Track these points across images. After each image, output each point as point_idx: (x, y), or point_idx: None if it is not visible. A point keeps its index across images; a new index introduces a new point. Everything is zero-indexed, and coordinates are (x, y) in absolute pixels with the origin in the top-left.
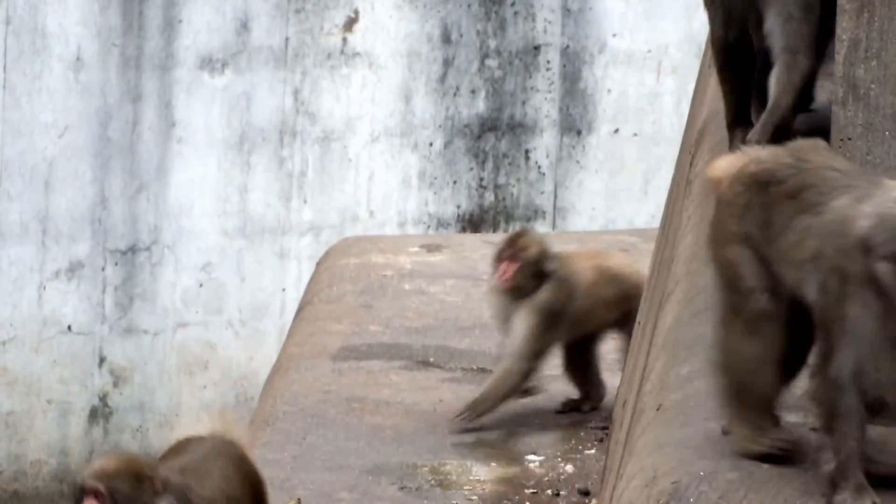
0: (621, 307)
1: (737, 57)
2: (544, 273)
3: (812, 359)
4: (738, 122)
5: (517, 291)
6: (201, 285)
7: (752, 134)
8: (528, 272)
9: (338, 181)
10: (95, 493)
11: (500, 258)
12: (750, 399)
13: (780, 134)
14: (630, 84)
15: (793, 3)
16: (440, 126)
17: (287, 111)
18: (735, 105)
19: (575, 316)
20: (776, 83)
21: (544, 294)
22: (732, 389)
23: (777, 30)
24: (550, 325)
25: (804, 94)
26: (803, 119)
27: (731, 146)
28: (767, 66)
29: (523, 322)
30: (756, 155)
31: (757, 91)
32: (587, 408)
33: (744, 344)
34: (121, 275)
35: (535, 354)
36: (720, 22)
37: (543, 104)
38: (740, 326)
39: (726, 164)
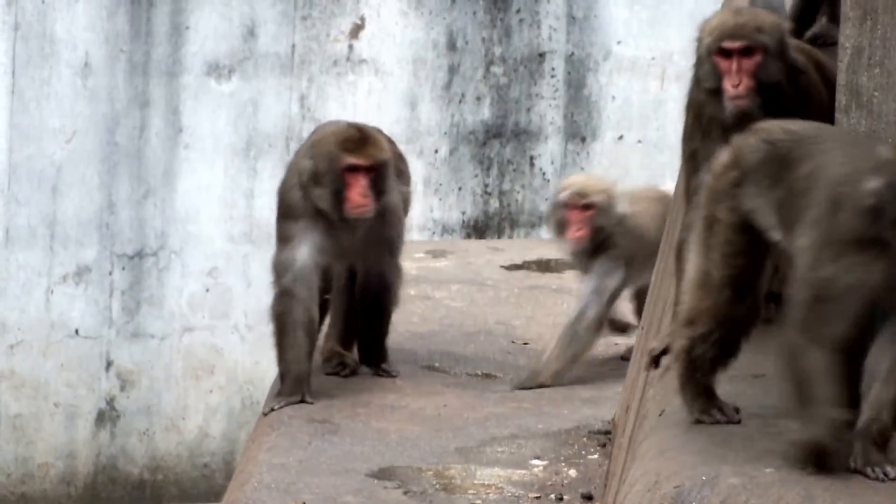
0: None
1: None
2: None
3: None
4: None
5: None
6: (208, 290)
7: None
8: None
9: None
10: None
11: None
12: None
13: None
14: (634, 91)
15: None
16: (445, 133)
17: (293, 117)
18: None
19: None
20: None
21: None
22: None
23: None
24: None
25: None
26: None
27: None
28: None
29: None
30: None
31: None
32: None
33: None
34: (128, 279)
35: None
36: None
37: (548, 111)
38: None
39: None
